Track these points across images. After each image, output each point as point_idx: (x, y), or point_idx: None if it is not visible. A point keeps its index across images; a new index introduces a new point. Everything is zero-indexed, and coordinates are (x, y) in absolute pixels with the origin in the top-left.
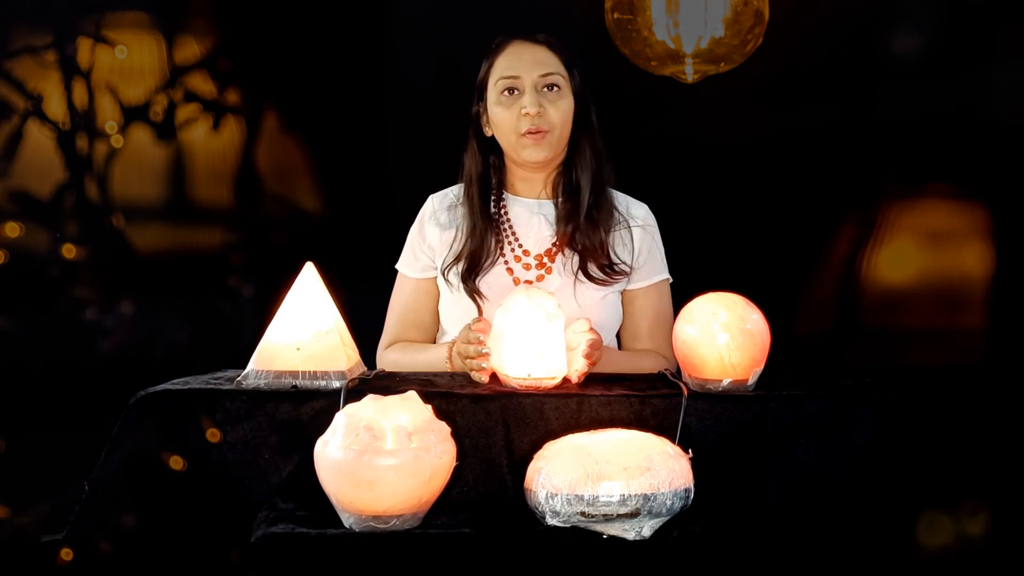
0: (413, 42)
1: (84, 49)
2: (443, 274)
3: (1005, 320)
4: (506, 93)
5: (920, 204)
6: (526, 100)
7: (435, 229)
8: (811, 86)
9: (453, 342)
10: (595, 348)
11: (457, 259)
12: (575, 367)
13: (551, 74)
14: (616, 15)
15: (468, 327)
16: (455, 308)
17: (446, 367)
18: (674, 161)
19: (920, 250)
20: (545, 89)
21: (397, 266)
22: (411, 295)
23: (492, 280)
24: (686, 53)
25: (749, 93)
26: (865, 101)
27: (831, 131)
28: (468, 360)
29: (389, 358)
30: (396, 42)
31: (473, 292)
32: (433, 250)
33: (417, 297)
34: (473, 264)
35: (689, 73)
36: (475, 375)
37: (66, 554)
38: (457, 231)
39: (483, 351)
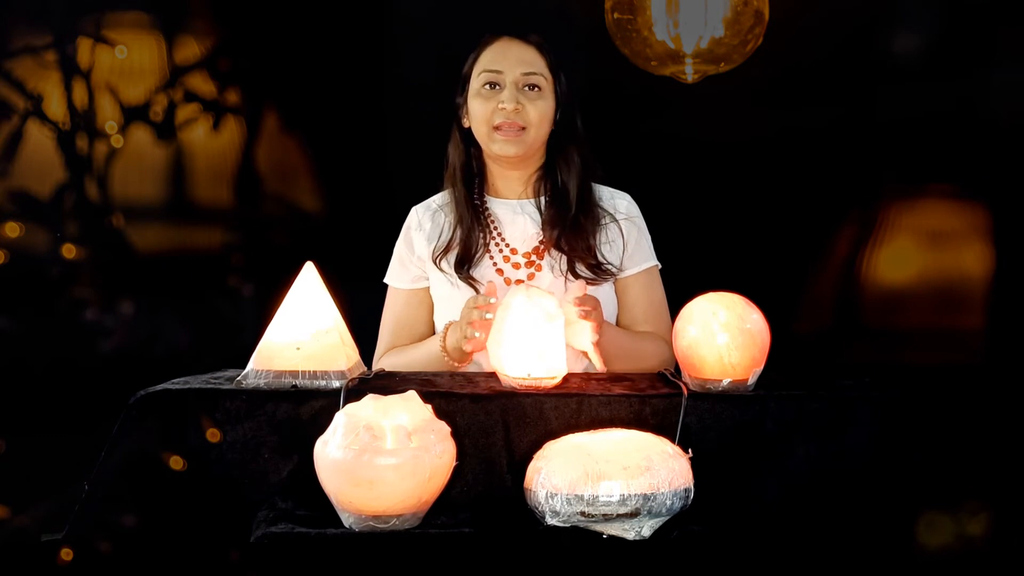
0: (413, 42)
1: (84, 49)
2: (435, 263)
3: (1005, 320)
4: (487, 87)
5: (920, 204)
6: (505, 95)
7: (422, 238)
8: (811, 86)
9: (448, 325)
10: (584, 303)
11: (447, 249)
12: (585, 335)
13: (533, 74)
14: (616, 15)
15: (475, 296)
16: (451, 313)
17: (440, 356)
18: (674, 161)
19: (920, 250)
20: (526, 88)
21: (386, 280)
22: (403, 307)
23: (483, 279)
24: (686, 53)
25: (749, 93)
26: (865, 101)
27: (831, 131)
28: (467, 326)
29: (384, 364)
30: (396, 42)
31: (468, 280)
32: (423, 260)
33: (410, 308)
34: (465, 253)
35: (689, 73)
36: (465, 344)
37: (66, 554)
38: (443, 228)
39: (487, 316)
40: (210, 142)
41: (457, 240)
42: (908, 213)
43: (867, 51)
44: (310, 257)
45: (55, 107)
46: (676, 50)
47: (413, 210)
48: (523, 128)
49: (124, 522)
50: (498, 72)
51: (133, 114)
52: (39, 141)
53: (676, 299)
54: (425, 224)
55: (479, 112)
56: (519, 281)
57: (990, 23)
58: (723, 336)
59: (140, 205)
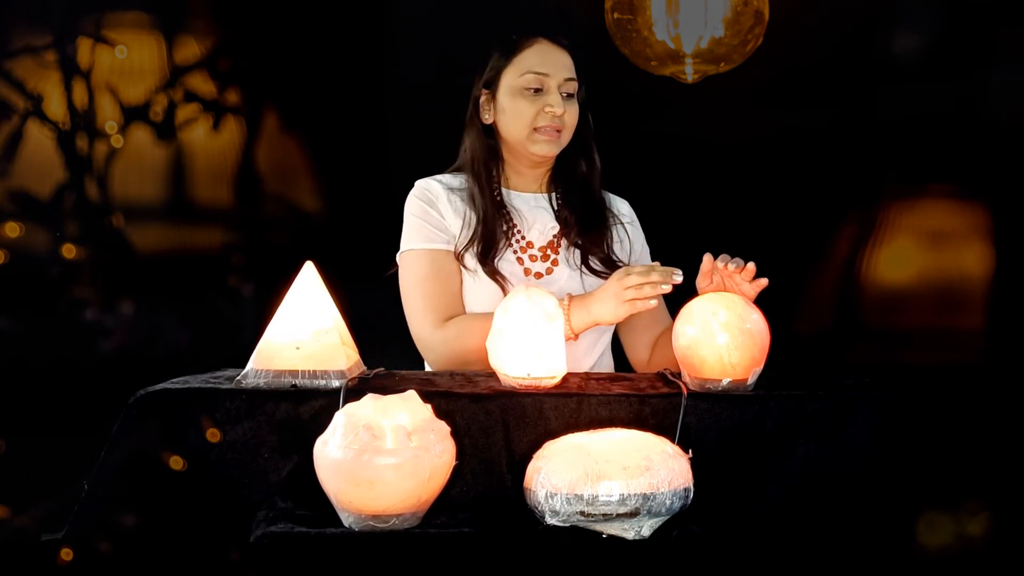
0: (413, 42)
1: (84, 49)
2: (458, 257)
3: (1005, 320)
4: (531, 90)
5: (920, 204)
6: (553, 100)
7: (450, 211)
8: (811, 86)
9: (570, 298)
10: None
11: (471, 241)
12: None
13: (572, 80)
14: (616, 15)
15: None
16: (475, 292)
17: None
18: (674, 161)
19: (920, 250)
20: (565, 94)
21: (412, 246)
22: (445, 267)
23: (505, 269)
24: (686, 53)
25: (749, 93)
26: (865, 101)
27: (831, 131)
28: (657, 281)
29: (455, 332)
30: (396, 42)
31: (494, 274)
32: (453, 229)
33: (451, 270)
34: (488, 245)
35: (689, 73)
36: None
37: (66, 554)
38: (466, 214)
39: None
40: (210, 142)
41: (479, 233)
42: (908, 213)
43: (867, 51)
44: (310, 257)
45: (55, 107)
46: (676, 50)
47: (430, 182)
48: (562, 131)
49: (124, 522)
50: (545, 75)
51: (133, 114)
52: (39, 141)
53: (677, 299)
54: (454, 200)
55: (522, 112)
56: (539, 274)
57: (990, 23)
58: (723, 336)
59: (140, 205)
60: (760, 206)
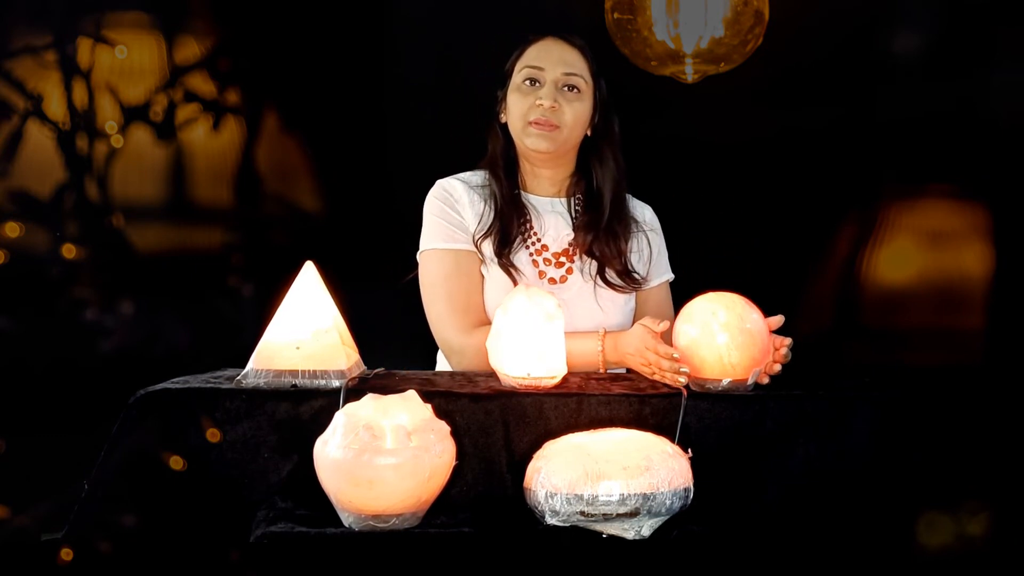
0: (413, 42)
1: (84, 49)
2: (476, 245)
3: (1005, 320)
4: (527, 83)
5: (920, 204)
6: (543, 92)
7: (471, 213)
8: (811, 86)
9: (604, 333)
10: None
11: (487, 233)
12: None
13: (574, 75)
14: (616, 15)
15: (649, 332)
16: (487, 284)
17: (595, 359)
18: (674, 161)
19: (920, 250)
20: (565, 88)
21: (433, 245)
22: (469, 268)
23: (520, 267)
24: (686, 53)
25: (749, 93)
26: (865, 101)
27: (831, 131)
28: (666, 372)
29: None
30: (396, 42)
31: (508, 266)
32: (472, 228)
33: (474, 271)
34: (503, 239)
35: (689, 73)
36: (671, 379)
37: (66, 554)
38: (484, 209)
39: (681, 368)
40: (210, 142)
41: (496, 226)
42: (908, 213)
43: (867, 51)
44: (310, 257)
45: (55, 107)
46: (676, 50)
47: (451, 181)
48: (556, 127)
49: (124, 522)
50: (539, 69)
51: (133, 114)
52: (39, 141)
53: (677, 299)
54: (474, 199)
55: (516, 107)
56: (552, 280)
57: (990, 23)
58: (723, 336)
59: (140, 205)
60: (760, 206)
